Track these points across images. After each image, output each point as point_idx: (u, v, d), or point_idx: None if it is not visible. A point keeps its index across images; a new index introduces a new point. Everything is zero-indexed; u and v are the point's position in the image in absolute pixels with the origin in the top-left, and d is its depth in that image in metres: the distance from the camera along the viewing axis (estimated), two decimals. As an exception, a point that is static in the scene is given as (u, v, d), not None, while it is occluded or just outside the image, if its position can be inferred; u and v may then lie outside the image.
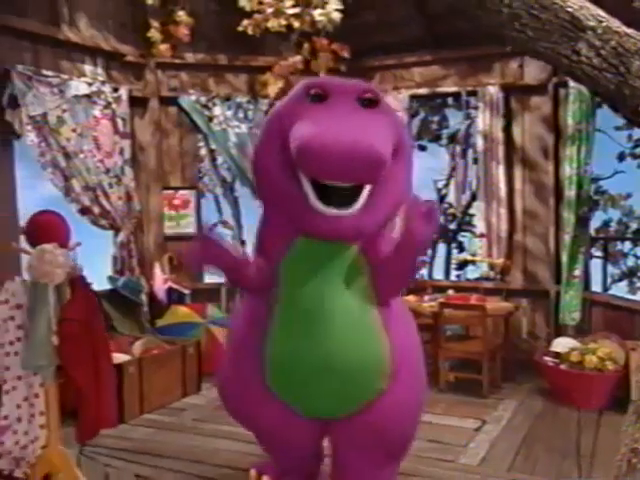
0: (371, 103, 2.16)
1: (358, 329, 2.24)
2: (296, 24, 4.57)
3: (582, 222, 5.17)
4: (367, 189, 2.09)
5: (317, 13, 4.49)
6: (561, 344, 4.63)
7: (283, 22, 4.63)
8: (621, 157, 7.15)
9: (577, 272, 5.16)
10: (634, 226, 8.29)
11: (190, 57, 5.67)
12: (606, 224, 7.89)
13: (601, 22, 1.48)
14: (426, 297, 5.12)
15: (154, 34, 5.18)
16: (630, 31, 1.55)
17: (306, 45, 4.98)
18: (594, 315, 5.13)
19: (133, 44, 5.44)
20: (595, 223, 7.21)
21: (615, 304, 5.00)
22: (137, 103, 5.48)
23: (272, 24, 4.63)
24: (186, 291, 5.56)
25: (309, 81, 2.25)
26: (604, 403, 4.28)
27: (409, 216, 2.18)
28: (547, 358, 4.61)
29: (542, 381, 4.77)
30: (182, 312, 5.28)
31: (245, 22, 4.84)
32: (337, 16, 4.60)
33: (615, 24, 1.50)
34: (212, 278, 5.94)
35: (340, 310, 2.21)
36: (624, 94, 1.49)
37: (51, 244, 2.84)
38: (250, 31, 4.78)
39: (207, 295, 5.69)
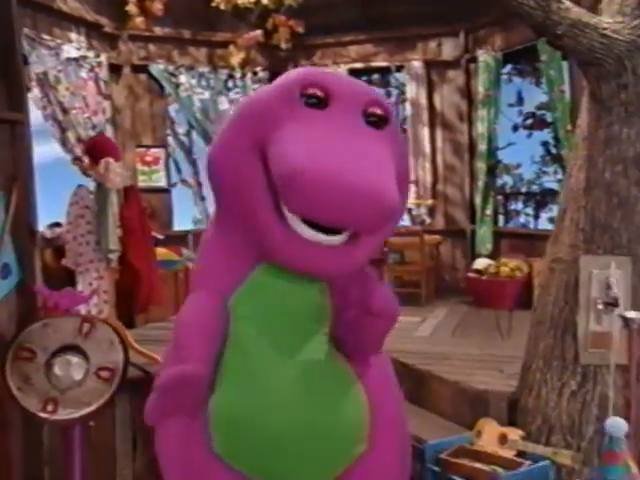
0: (379, 122, 1.69)
1: (335, 380, 1.82)
2: (264, 0, 5.48)
3: (491, 171, 6.44)
4: None
5: (284, -9, 5.43)
6: (480, 263, 5.84)
7: (252, -1, 5.53)
8: (515, 128, 8.54)
9: (488, 212, 6.42)
10: (524, 190, 9.87)
11: (158, 31, 6.44)
12: (502, 187, 9.34)
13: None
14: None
15: (132, 8, 5.90)
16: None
17: (270, 20, 5.89)
18: (502, 244, 6.40)
19: (108, 16, 6.14)
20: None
21: (518, 233, 6.31)
22: (113, 70, 6.18)
23: (242, 0, 5.51)
24: (160, 236, 6.28)
25: (307, 75, 1.71)
26: (514, 304, 5.49)
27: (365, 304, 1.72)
28: (470, 274, 5.81)
29: (465, 297, 5.96)
30: (161, 252, 6.00)
31: (217, -1, 5.70)
32: (300, -5, 5.57)
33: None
34: (180, 226, 6.79)
35: (311, 359, 1.78)
36: (547, 25, 2.55)
37: (111, 158, 3.62)
38: (222, 6, 5.63)
39: (177, 240, 6.45)
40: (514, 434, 2.74)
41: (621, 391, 2.62)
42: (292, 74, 1.73)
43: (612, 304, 2.61)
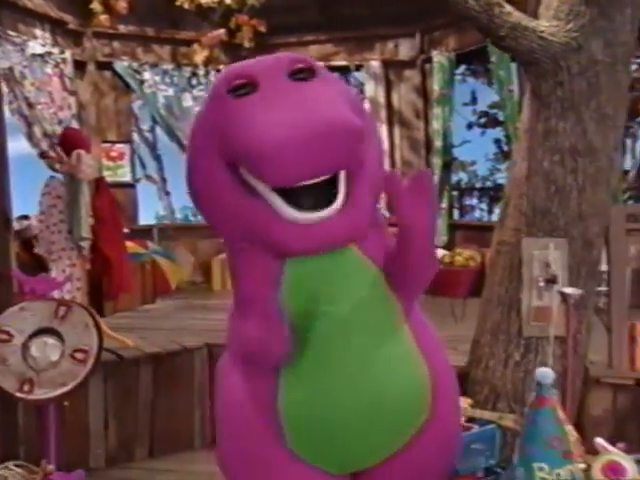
0: (308, 74, 1.67)
1: (396, 352, 1.80)
2: (227, 0, 5.65)
3: (447, 167, 6.74)
4: (343, 180, 1.63)
5: (247, -9, 5.62)
6: (436, 253, 6.12)
7: (216, -2, 5.71)
8: (470, 126, 8.89)
9: (443, 205, 6.71)
10: (478, 185, 10.26)
11: (122, 28, 6.55)
12: (458, 183, 9.70)
13: (479, -13, 2.78)
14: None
15: (96, 6, 5.99)
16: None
17: (233, 19, 6.07)
18: (457, 236, 6.70)
19: (72, 13, 6.23)
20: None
21: (472, 225, 6.63)
22: (77, 66, 6.27)
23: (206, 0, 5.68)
24: (126, 230, 6.40)
25: (228, 72, 1.73)
26: (468, 292, 5.78)
27: (393, 199, 1.72)
28: (426, 264, 6.08)
29: (421, 287, 6.22)
30: (128, 245, 6.10)
31: (181, -3, 5.86)
32: (263, -5, 5.77)
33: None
34: (145, 220, 6.92)
35: (371, 335, 1.75)
36: (491, 27, 2.80)
37: (82, 150, 3.76)
38: (186, 5, 5.78)
39: (142, 234, 6.58)
40: (464, 402, 2.98)
41: (559, 360, 2.89)
42: (216, 78, 1.78)
43: (551, 281, 2.88)
